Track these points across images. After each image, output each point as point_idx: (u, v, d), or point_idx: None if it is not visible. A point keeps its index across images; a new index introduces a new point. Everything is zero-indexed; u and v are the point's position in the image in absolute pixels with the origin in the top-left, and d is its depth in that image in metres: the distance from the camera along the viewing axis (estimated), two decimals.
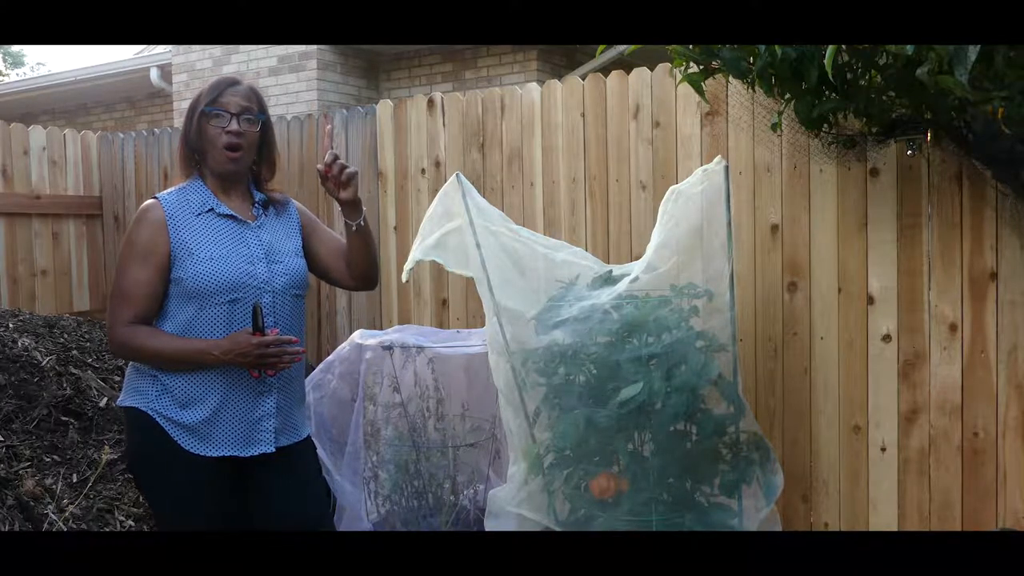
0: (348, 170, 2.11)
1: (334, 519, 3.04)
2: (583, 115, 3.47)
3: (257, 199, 2.18)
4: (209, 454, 2.02)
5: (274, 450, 2.09)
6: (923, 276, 2.85)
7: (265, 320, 2.03)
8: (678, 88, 3.18)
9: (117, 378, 3.77)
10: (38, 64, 23.81)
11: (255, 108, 2.11)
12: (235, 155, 2.07)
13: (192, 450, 2.01)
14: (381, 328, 3.90)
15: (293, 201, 2.31)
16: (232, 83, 2.10)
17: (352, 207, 2.16)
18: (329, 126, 2.33)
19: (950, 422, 2.82)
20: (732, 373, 2.67)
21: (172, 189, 2.11)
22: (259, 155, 2.16)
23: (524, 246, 2.84)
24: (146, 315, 2.02)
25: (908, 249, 2.86)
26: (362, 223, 2.18)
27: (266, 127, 2.16)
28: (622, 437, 2.61)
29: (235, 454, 2.04)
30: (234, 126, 2.06)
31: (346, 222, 2.18)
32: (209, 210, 2.07)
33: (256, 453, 2.07)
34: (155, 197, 2.08)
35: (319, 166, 2.11)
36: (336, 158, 2.11)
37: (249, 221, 2.12)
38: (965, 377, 2.79)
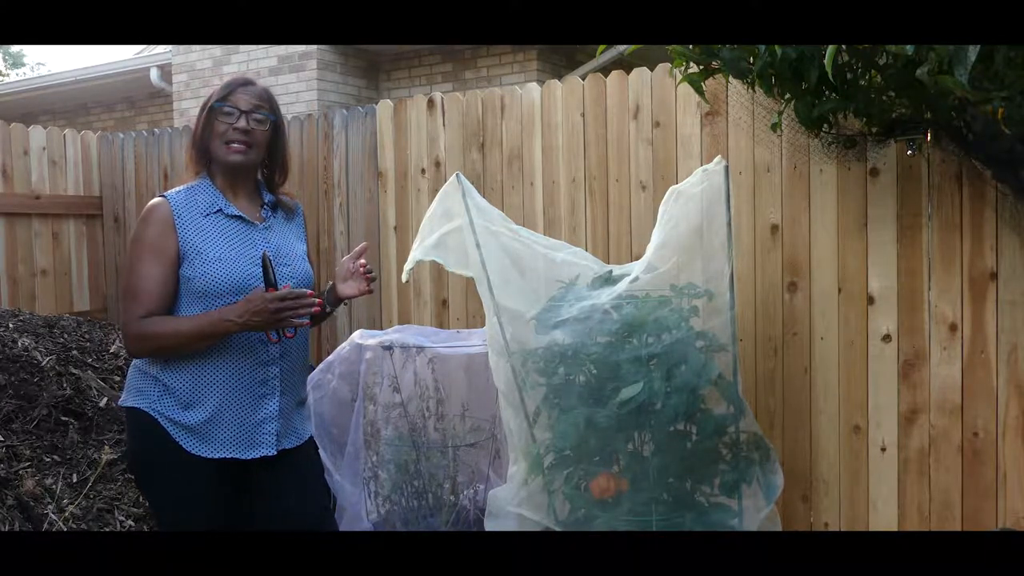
0: (372, 276, 2.23)
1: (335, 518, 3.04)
2: (583, 115, 3.47)
3: (266, 200, 2.17)
4: (210, 455, 2.02)
5: (275, 453, 2.09)
6: (923, 276, 2.85)
7: (277, 276, 2.00)
8: (678, 88, 3.18)
9: (117, 378, 3.77)
10: (38, 64, 23.80)
11: (266, 107, 2.11)
12: (239, 148, 2.07)
13: (193, 451, 2.01)
14: (381, 328, 3.90)
15: (301, 207, 2.32)
16: (245, 83, 2.11)
17: (339, 302, 2.25)
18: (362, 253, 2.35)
19: (950, 422, 2.82)
20: (732, 373, 2.67)
21: (180, 188, 2.09)
22: (271, 157, 2.16)
23: (524, 246, 2.84)
24: (159, 311, 2.00)
25: (908, 249, 2.86)
26: (331, 312, 2.31)
27: (277, 129, 2.16)
28: (622, 437, 2.61)
29: (236, 456, 2.04)
30: (242, 123, 2.06)
31: (327, 307, 2.27)
32: (217, 211, 2.07)
33: (257, 456, 2.06)
34: (162, 196, 2.06)
35: (360, 263, 2.20)
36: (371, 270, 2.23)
37: (257, 223, 2.12)
38: (965, 377, 2.79)
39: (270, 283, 1.97)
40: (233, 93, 2.07)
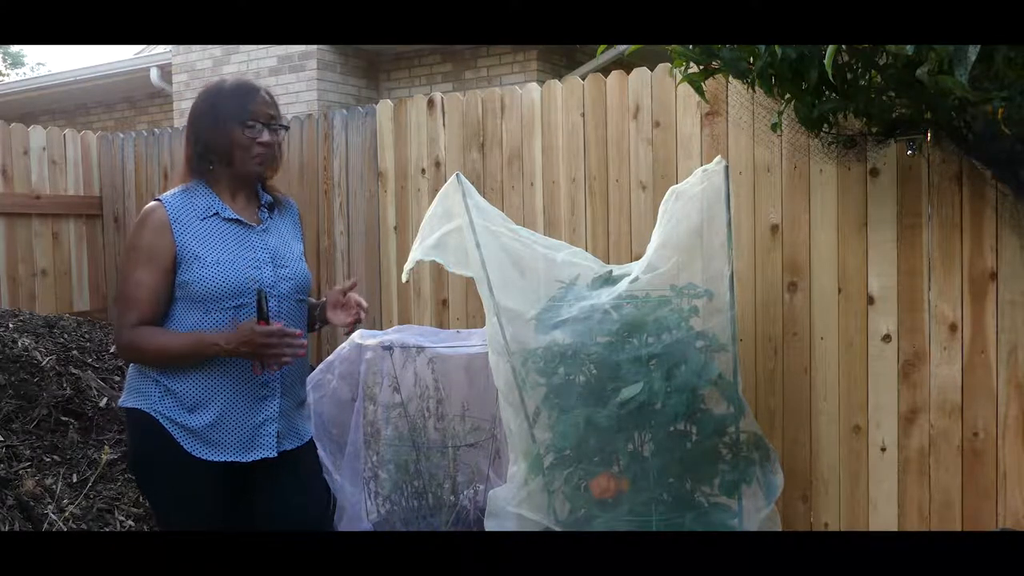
0: (363, 310, 2.18)
1: (334, 519, 3.04)
2: (583, 115, 3.47)
3: (264, 201, 2.17)
4: (211, 458, 2.01)
5: (276, 455, 2.08)
6: (923, 276, 2.85)
7: (270, 310, 2.01)
8: (678, 88, 3.18)
9: (117, 378, 3.77)
10: (38, 64, 23.81)
11: (277, 115, 2.12)
12: (265, 162, 2.09)
13: (195, 453, 2.00)
14: (381, 328, 3.90)
15: (296, 205, 2.31)
16: (256, 89, 2.09)
17: (327, 323, 2.24)
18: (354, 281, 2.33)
19: (950, 422, 2.82)
20: (732, 373, 2.67)
21: (175, 191, 2.08)
22: None
23: (524, 246, 2.85)
24: (152, 318, 2.00)
25: (908, 249, 2.86)
26: (320, 328, 2.31)
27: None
28: (622, 437, 2.61)
29: (237, 459, 2.03)
30: (266, 136, 2.06)
31: (315, 322, 2.28)
32: (214, 214, 2.05)
33: (258, 457, 2.06)
34: (158, 199, 2.05)
35: (352, 295, 2.16)
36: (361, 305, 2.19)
37: (254, 225, 2.11)
38: (965, 377, 2.79)
39: (263, 316, 1.98)
40: (253, 103, 2.06)
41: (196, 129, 2.08)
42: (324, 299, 2.25)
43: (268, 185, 2.21)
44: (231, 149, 2.05)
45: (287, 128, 2.17)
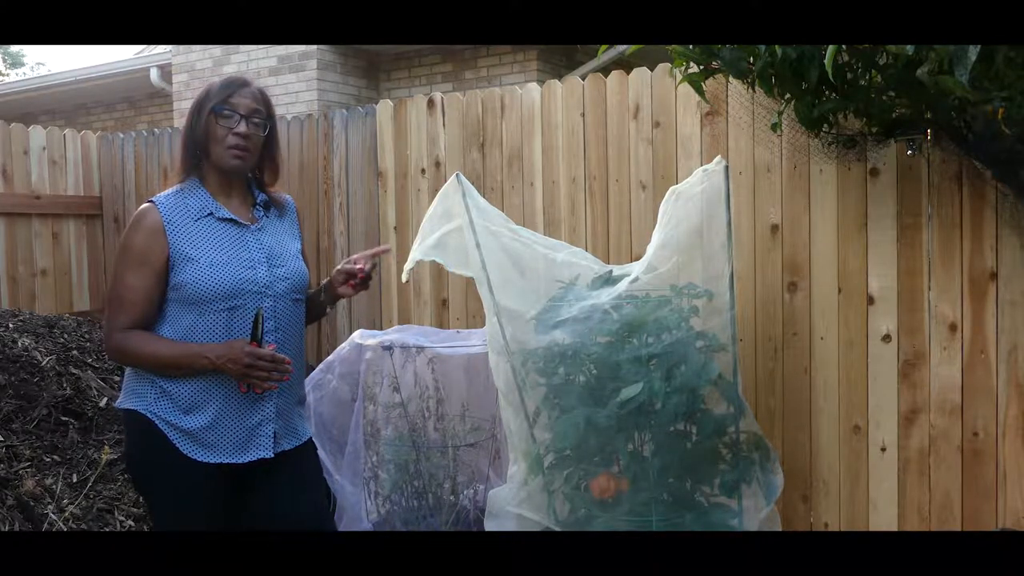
0: (370, 281, 2.21)
1: (334, 519, 3.04)
2: (583, 115, 3.47)
3: (258, 200, 2.15)
4: (207, 460, 2.00)
5: (273, 455, 2.07)
6: (923, 276, 2.85)
7: (266, 329, 2.01)
8: (678, 88, 3.18)
9: (117, 378, 3.77)
10: (38, 64, 23.83)
11: (263, 111, 2.09)
12: (240, 154, 2.05)
13: (190, 455, 1.99)
14: (381, 328, 3.90)
15: (293, 202, 2.30)
16: (243, 83, 2.08)
17: (338, 299, 2.24)
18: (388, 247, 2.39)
19: (950, 422, 2.82)
20: (732, 373, 2.67)
21: (169, 192, 2.06)
22: (261, 157, 2.15)
23: (524, 246, 2.84)
24: (143, 321, 1.99)
25: (908, 249, 2.86)
26: (331, 310, 2.34)
27: (271, 130, 2.14)
28: (622, 437, 2.61)
29: (232, 461, 2.02)
30: (242, 128, 2.03)
31: (323, 302, 2.26)
32: (208, 214, 2.04)
33: (255, 459, 2.05)
34: (151, 201, 2.04)
35: (363, 266, 2.15)
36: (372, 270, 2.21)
37: (249, 224, 2.09)
38: (965, 377, 2.79)
39: (255, 338, 1.98)
40: (233, 95, 2.04)
41: (186, 123, 2.08)
42: (326, 280, 2.24)
43: (263, 183, 2.20)
44: (207, 140, 2.04)
45: (270, 124, 2.12)
